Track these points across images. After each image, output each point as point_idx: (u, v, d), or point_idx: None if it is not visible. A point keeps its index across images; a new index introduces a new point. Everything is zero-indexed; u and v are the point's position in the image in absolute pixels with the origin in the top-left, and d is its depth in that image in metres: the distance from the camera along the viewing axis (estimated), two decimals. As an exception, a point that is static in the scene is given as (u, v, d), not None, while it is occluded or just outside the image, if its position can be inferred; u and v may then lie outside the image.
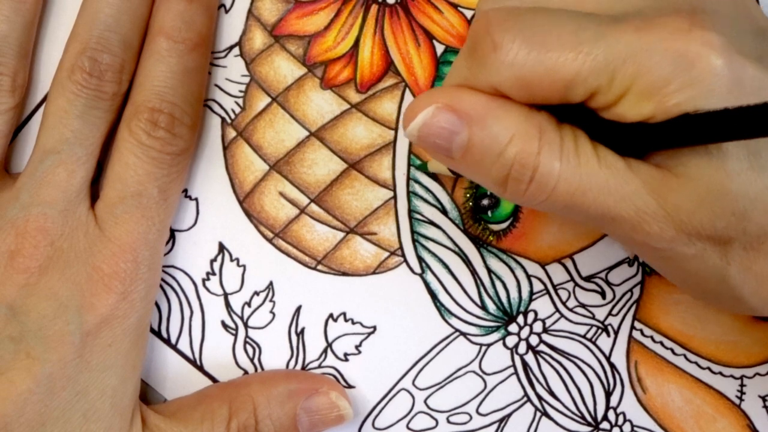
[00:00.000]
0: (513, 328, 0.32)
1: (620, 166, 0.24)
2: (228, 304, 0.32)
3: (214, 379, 0.32)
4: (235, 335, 0.32)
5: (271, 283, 0.32)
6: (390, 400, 0.32)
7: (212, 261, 0.32)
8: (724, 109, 0.21)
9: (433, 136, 0.24)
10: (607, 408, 0.32)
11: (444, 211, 0.32)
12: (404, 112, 0.25)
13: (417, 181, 0.32)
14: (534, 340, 0.32)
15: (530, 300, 0.32)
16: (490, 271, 0.32)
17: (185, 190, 0.32)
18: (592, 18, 0.23)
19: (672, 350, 0.32)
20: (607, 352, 0.32)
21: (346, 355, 0.32)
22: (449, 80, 0.26)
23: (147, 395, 0.32)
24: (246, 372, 0.32)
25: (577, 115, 0.24)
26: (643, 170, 0.24)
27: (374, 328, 0.32)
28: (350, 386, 0.32)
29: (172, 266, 0.32)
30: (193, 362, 0.32)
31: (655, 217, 0.23)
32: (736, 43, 0.23)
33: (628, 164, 0.24)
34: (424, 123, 0.24)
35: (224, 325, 0.32)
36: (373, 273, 0.32)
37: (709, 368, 0.32)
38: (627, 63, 0.22)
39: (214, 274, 0.32)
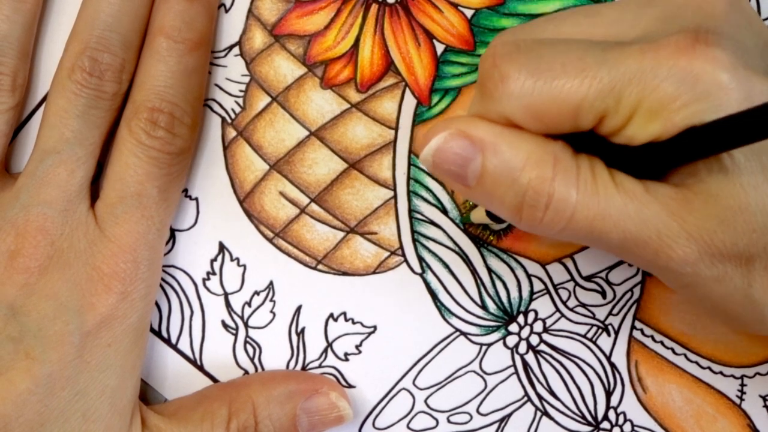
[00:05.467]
0: (513, 327, 0.32)
1: (638, 190, 0.23)
2: (228, 304, 0.32)
3: (214, 379, 0.32)
4: (236, 335, 0.32)
5: (271, 283, 0.32)
6: (390, 399, 0.32)
7: (212, 261, 0.32)
8: (728, 116, 0.21)
9: (447, 162, 0.25)
10: (608, 408, 0.32)
11: (444, 211, 0.32)
12: (417, 139, 0.25)
13: (417, 181, 0.32)
14: (534, 339, 0.32)
15: (531, 300, 0.32)
16: (490, 270, 0.32)
17: (185, 190, 0.32)
18: (598, 44, 0.24)
19: (672, 350, 0.32)
20: (607, 352, 0.32)
21: (346, 354, 0.32)
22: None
23: (147, 395, 0.32)
24: (246, 372, 0.32)
25: (592, 144, 0.24)
26: (662, 192, 0.23)
27: (374, 327, 0.32)
28: (350, 386, 0.32)
29: (173, 266, 0.32)
30: (193, 362, 0.32)
31: (677, 239, 0.23)
32: (742, 58, 0.23)
33: (646, 188, 0.24)
34: (438, 148, 0.25)
35: (224, 324, 0.32)
36: (374, 273, 0.32)
37: (709, 368, 0.32)
38: (632, 84, 0.22)
39: (214, 273, 0.32)
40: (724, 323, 0.29)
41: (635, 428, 0.32)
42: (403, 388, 0.32)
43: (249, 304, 0.32)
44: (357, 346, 0.32)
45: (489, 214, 0.30)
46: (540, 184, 0.23)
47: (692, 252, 0.23)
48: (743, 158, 0.23)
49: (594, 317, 0.32)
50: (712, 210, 0.23)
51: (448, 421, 0.32)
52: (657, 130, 0.23)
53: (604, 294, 0.32)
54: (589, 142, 0.24)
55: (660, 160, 0.23)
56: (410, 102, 0.32)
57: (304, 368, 0.32)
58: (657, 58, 0.22)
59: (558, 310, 0.32)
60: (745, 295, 0.24)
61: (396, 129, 0.32)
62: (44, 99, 0.32)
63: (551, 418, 0.32)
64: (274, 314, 0.32)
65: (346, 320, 0.32)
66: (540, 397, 0.32)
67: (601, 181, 0.24)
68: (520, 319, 0.32)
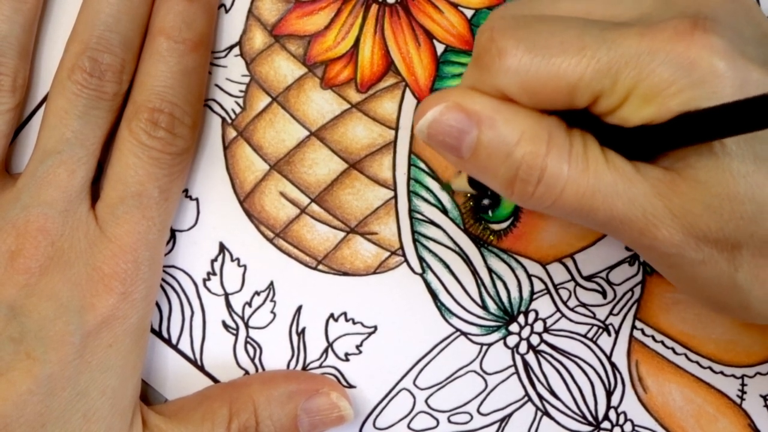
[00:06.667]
0: (514, 327, 0.32)
1: (628, 169, 0.24)
2: (229, 304, 0.32)
3: (214, 380, 0.32)
4: (236, 335, 0.32)
5: (271, 283, 0.32)
6: (391, 399, 0.32)
7: (213, 261, 0.32)
8: (722, 104, 0.21)
9: (442, 134, 0.25)
10: (608, 407, 0.32)
11: (444, 211, 0.32)
12: (415, 111, 0.25)
13: (417, 181, 0.32)
14: (535, 339, 0.32)
15: (531, 299, 0.32)
16: (490, 270, 0.32)
17: (186, 190, 0.32)
18: (597, 24, 0.24)
19: (673, 350, 0.32)
20: (608, 352, 0.32)
21: (347, 354, 0.32)
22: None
23: (147, 395, 0.32)
24: (247, 372, 0.32)
25: (585, 120, 0.24)
26: (652, 173, 0.24)
27: (375, 327, 0.32)
28: (351, 386, 0.32)
29: (173, 266, 0.32)
30: (193, 362, 0.32)
31: (663, 220, 0.23)
32: (739, 47, 0.23)
33: (636, 168, 0.24)
34: (434, 120, 0.25)
35: (225, 325, 0.32)
36: (374, 273, 0.32)
37: (710, 368, 0.32)
38: (629, 66, 0.23)
39: (214, 274, 0.32)
40: (708, 306, 0.30)
41: (636, 428, 0.32)
42: (404, 388, 0.32)
43: (249, 304, 0.32)
44: (357, 346, 0.32)
45: (471, 183, 0.30)
46: (533, 159, 0.24)
47: (676, 233, 0.23)
48: (735, 146, 0.23)
49: (594, 317, 0.32)
50: (699, 195, 0.23)
51: (449, 421, 0.32)
52: (651, 113, 0.23)
53: (604, 294, 0.32)
54: (582, 119, 0.24)
55: (652, 143, 0.23)
56: (410, 102, 0.32)
57: (304, 368, 0.32)
58: (655, 41, 0.22)
59: (558, 309, 0.32)
60: (731, 279, 0.24)
61: (396, 129, 0.32)
62: (44, 99, 0.32)
63: (552, 418, 0.32)
64: (275, 314, 0.32)
65: (347, 320, 0.32)
66: (540, 397, 0.32)
67: (593, 158, 0.24)
68: (521, 319, 0.32)
